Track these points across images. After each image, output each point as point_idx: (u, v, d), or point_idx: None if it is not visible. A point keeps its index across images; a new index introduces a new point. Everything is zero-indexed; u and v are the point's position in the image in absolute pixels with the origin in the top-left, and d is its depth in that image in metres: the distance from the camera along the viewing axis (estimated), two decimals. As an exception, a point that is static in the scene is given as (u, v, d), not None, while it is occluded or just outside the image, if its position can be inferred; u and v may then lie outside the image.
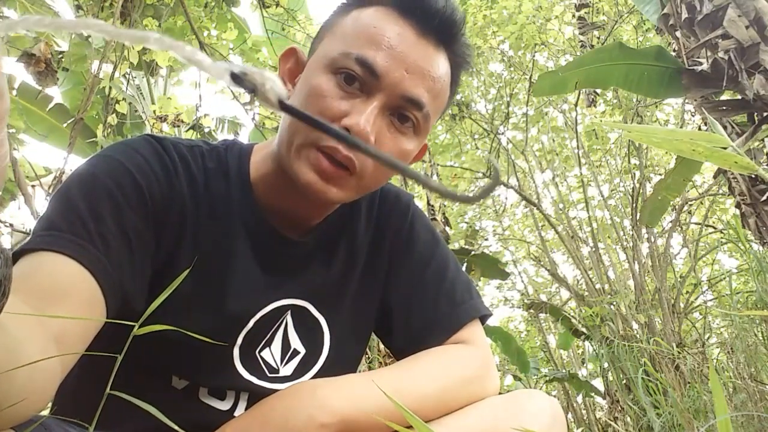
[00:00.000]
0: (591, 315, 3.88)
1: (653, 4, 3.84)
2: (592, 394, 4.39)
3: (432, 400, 0.72)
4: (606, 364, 3.83)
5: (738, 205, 3.49)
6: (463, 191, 6.80)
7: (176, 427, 0.51)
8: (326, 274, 0.83)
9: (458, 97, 5.54)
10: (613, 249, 5.43)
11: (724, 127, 3.34)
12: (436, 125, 5.97)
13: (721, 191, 5.20)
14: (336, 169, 0.68)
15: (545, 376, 4.52)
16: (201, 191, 0.75)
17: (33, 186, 2.81)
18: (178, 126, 3.76)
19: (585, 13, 5.91)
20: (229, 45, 3.94)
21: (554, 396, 3.97)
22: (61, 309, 0.56)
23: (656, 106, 5.54)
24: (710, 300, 4.77)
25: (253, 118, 3.30)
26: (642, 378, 2.29)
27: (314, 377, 0.81)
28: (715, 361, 3.04)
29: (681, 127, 5.30)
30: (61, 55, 2.84)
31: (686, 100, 4.50)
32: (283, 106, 0.28)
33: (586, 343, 4.65)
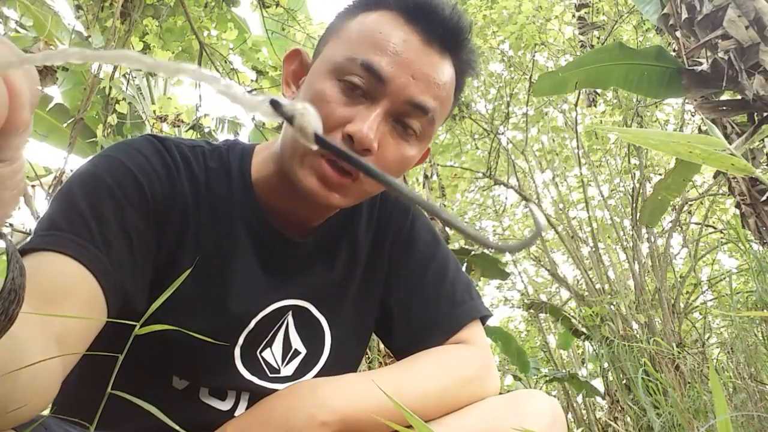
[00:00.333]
0: (591, 315, 3.88)
1: (653, 4, 3.84)
2: (593, 394, 4.39)
3: (432, 400, 0.72)
4: (606, 364, 3.83)
5: (738, 205, 3.49)
6: (463, 191, 6.80)
7: (177, 427, 0.51)
8: (327, 274, 0.83)
9: (458, 97, 5.54)
10: (613, 249, 5.43)
11: (724, 128, 3.34)
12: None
13: (721, 191, 5.20)
14: (339, 176, 0.68)
15: (545, 376, 4.52)
16: (202, 191, 0.75)
17: (33, 186, 2.81)
18: (178, 126, 3.76)
19: (585, 13, 5.91)
20: (229, 45, 3.94)
21: (554, 396, 3.97)
22: (63, 309, 0.56)
23: (656, 106, 5.54)
24: (710, 300, 4.77)
25: (253, 118, 3.30)
26: (642, 378, 2.29)
27: (315, 377, 0.81)
28: (715, 361, 3.05)
29: (681, 127, 5.31)
30: (61, 55, 2.83)
31: (686, 100, 4.50)
32: (318, 140, 0.28)
33: (586, 343, 4.65)
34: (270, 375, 0.79)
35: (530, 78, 5.42)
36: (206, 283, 0.73)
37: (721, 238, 5.62)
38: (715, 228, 5.75)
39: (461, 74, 0.77)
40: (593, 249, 4.98)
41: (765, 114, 3.07)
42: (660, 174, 5.49)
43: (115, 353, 0.52)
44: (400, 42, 0.69)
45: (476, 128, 5.92)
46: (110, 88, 3.09)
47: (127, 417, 0.67)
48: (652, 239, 4.73)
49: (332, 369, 0.81)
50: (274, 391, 0.73)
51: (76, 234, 0.62)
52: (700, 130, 4.40)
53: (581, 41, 5.92)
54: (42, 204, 2.53)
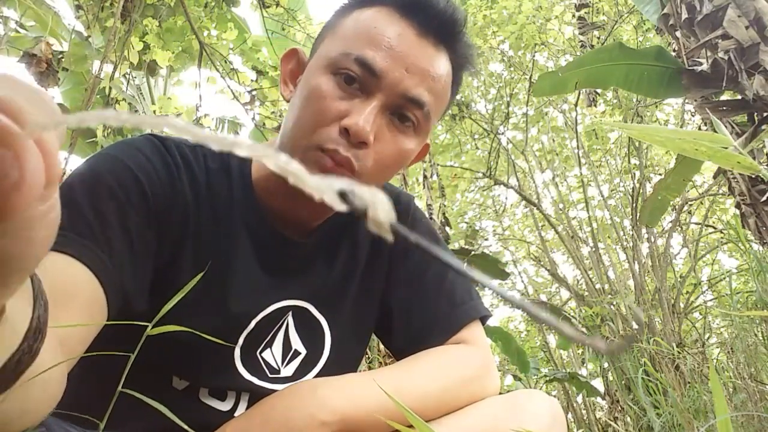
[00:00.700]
0: (591, 315, 3.88)
1: (653, 4, 3.84)
2: (593, 394, 4.39)
3: (432, 400, 0.72)
4: (606, 364, 3.83)
5: (738, 205, 3.49)
6: (463, 191, 6.80)
7: (186, 427, 0.51)
8: (327, 275, 0.83)
9: (458, 97, 5.54)
10: (613, 249, 5.43)
11: (724, 128, 3.34)
12: (436, 125, 5.97)
13: (721, 191, 5.20)
14: (338, 169, 0.68)
15: (545, 376, 4.52)
16: (203, 191, 0.75)
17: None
18: (178, 126, 3.74)
19: (585, 13, 5.91)
20: (229, 45, 3.93)
21: (554, 396, 3.97)
22: (65, 310, 0.56)
23: (656, 106, 5.54)
24: (710, 300, 4.78)
25: (253, 118, 3.30)
26: (642, 378, 2.29)
27: (315, 378, 0.81)
28: (715, 361, 3.05)
29: (681, 128, 5.30)
30: (61, 56, 2.84)
31: (686, 100, 4.50)
32: (394, 231, 0.25)
33: (586, 343, 4.64)
34: (270, 375, 0.78)
35: (530, 78, 5.42)
36: (206, 283, 0.73)
37: (721, 238, 5.62)
38: (715, 228, 5.75)
39: (458, 69, 0.77)
40: (593, 249, 4.98)
41: (765, 114, 3.07)
42: (660, 174, 5.50)
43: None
44: (395, 36, 0.70)
45: (476, 128, 5.92)
46: (110, 88, 3.09)
47: (127, 417, 0.67)
48: (652, 239, 4.73)
49: (332, 369, 0.81)
50: (274, 391, 0.72)
51: (77, 233, 0.62)
52: (699, 130, 4.39)
53: (581, 41, 5.92)
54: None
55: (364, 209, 0.25)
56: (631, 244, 4.72)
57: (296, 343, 0.81)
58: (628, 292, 4.43)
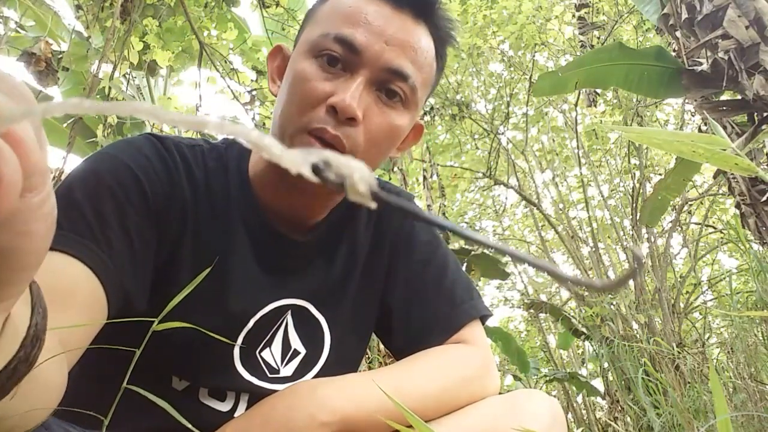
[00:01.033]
0: (591, 315, 3.88)
1: (653, 4, 3.84)
2: (593, 394, 4.39)
3: (432, 400, 0.72)
4: (606, 364, 3.83)
5: (738, 205, 3.49)
6: (463, 191, 6.80)
7: (190, 426, 0.51)
8: (327, 274, 0.82)
9: (458, 97, 5.54)
10: (613, 249, 5.43)
11: (724, 128, 3.34)
12: (436, 125, 5.97)
13: (721, 191, 5.20)
14: (328, 149, 0.68)
15: (545, 376, 4.52)
16: (201, 190, 0.75)
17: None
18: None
19: (585, 13, 5.91)
20: (229, 45, 3.93)
21: (554, 396, 3.97)
22: (66, 309, 0.56)
23: (656, 106, 5.54)
24: (710, 300, 4.78)
25: (253, 118, 3.30)
26: (642, 378, 2.29)
27: (315, 377, 0.81)
28: (715, 361, 3.05)
29: (681, 128, 5.31)
30: (60, 55, 2.84)
31: (686, 100, 4.50)
32: (375, 197, 0.25)
33: (586, 343, 4.65)
34: (269, 375, 0.78)
35: (530, 78, 5.42)
36: (205, 281, 0.73)
37: (721, 238, 5.62)
38: (715, 228, 5.75)
39: (440, 42, 0.77)
40: (593, 249, 4.98)
41: (765, 114, 3.07)
42: (660, 174, 5.49)
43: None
44: (372, 12, 0.71)
45: (476, 128, 5.91)
46: (110, 88, 3.09)
47: (126, 418, 0.66)
48: (652, 239, 4.73)
49: (332, 369, 0.81)
50: (274, 391, 0.72)
51: (77, 233, 0.62)
52: (700, 131, 4.40)
53: (581, 41, 5.92)
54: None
55: (341, 181, 0.25)
56: (631, 244, 4.72)
57: (296, 342, 0.81)
58: (628, 292, 4.43)
